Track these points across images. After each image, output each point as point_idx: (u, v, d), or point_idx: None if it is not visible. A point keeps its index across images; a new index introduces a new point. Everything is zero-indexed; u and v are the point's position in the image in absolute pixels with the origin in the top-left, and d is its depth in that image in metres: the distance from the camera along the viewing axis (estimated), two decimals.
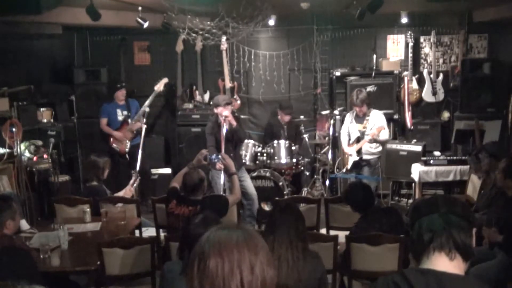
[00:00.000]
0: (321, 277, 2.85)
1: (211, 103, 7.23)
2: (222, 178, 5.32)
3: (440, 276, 1.49)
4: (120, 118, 6.58)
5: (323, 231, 4.67)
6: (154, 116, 7.54)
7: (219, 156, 4.80)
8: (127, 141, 6.40)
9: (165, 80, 6.67)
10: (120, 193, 5.05)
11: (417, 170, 6.15)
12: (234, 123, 5.36)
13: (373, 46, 7.55)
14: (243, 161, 6.22)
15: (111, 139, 6.53)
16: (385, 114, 6.08)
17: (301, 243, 2.82)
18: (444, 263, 1.55)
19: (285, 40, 7.74)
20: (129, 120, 6.50)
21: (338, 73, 7.24)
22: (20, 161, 5.42)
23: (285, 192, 6.28)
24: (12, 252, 2.96)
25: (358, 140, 5.84)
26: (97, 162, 4.90)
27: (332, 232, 4.48)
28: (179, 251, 2.96)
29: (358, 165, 5.91)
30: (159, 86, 6.59)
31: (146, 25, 6.02)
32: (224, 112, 5.29)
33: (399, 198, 6.98)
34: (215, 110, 5.45)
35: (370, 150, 5.80)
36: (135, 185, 5.32)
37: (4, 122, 5.36)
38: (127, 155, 6.44)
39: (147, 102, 6.47)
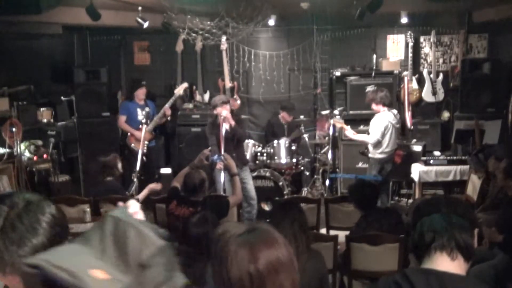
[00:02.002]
0: (323, 276, 2.86)
1: (210, 103, 7.24)
2: (222, 178, 5.32)
3: (441, 276, 1.50)
4: (140, 118, 6.39)
5: (323, 231, 4.66)
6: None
7: (221, 157, 4.79)
8: (146, 141, 6.11)
9: (185, 85, 6.63)
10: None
11: (417, 170, 6.15)
12: (232, 122, 5.34)
13: (373, 46, 7.55)
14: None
15: (130, 139, 6.40)
16: None
17: (304, 236, 2.83)
18: (446, 263, 1.55)
19: (285, 40, 7.75)
20: (148, 121, 6.41)
21: (338, 73, 7.24)
22: (20, 161, 5.42)
23: (285, 192, 6.28)
24: None
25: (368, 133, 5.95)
26: (106, 162, 4.87)
27: (332, 232, 4.48)
28: (178, 252, 2.96)
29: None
30: (179, 90, 6.52)
31: (146, 25, 6.03)
32: (223, 112, 5.27)
33: (399, 198, 6.97)
34: (214, 112, 5.44)
35: (370, 149, 5.89)
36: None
37: (4, 122, 5.37)
38: (144, 156, 6.29)
39: (167, 104, 6.40)
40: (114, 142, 6.95)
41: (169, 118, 6.62)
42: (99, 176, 5.01)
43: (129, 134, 6.44)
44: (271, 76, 7.70)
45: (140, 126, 6.35)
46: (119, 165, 4.94)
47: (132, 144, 6.37)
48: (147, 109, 6.18)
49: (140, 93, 6.49)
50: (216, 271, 1.25)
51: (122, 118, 6.47)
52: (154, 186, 5.00)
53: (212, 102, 5.52)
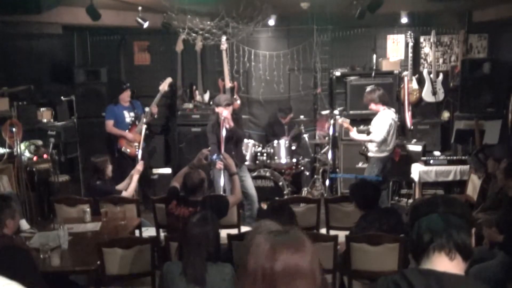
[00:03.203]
0: None
1: (211, 102, 7.24)
2: (222, 178, 5.32)
3: (440, 276, 1.50)
4: (128, 120, 6.39)
5: (323, 231, 4.66)
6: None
7: (220, 156, 4.79)
8: (137, 143, 6.00)
9: (169, 80, 6.58)
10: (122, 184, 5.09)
11: (417, 170, 6.15)
12: (232, 124, 5.34)
13: (373, 46, 7.55)
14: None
15: (121, 142, 6.33)
16: None
17: None
18: (444, 263, 1.55)
19: (285, 40, 7.75)
20: (137, 122, 6.36)
21: (338, 73, 7.24)
22: (20, 161, 5.42)
23: (285, 192, 6.28)
24: (12, 252, 2.97)
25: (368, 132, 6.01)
26: (95, 164, 4.89)
27: (332, 232, 4.48)
28: (178, 252, 2.97)
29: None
30: (164, 86, 6.45)
31: (146, 25, 6.03)
32: (224, 112, 5.28)
33: (399, 198, 6.98)
34: (216, 109, 5.43)
35: (370, 147, 5.88)
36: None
37: (4, 122, 5.37)
38: (138, 159, 6.20)
39: (153, 102, 6.37)
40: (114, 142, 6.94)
41: (155, 116, 6.58)
42: (90, 179, 5.03)
43: (119, 138, 6.36)
44: (271, 76, 7.70)
45: (130, 127, 6.34)
46: (108, 170, 4.93)
47: (123, 147, 6.31)
48: (146, 109, 6.17)
49: (125, 96, 6.44)
50: (242, 260, 1.31)
51: (110, 123, 6.37)
52: (139, 169, 5.13)
53: (216, 100, 5.50)
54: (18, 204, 4.88)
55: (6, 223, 3.21)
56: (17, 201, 4.97)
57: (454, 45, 7.49)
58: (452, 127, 7.05)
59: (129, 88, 6.52)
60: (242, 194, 4.82)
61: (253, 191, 5.69)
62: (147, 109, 6.28)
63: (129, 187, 5.03)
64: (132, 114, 6.41)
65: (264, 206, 6.10)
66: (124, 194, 4.93)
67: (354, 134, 5.90)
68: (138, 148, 5.74)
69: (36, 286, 2.95)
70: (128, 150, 6.26)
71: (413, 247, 1.64)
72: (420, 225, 1.61)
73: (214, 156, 4.99)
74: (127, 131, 6.34)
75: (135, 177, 5.09)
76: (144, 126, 6.04)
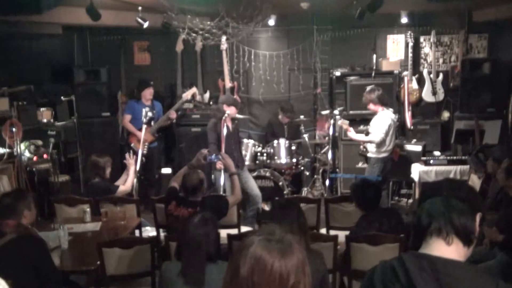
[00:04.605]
0: (324, 277, 2.84)
1: (211, 102, 7.25)
2: (222, 178, 5.32)
3: (434, 260, 1.49)
4: (144, 118, 6.47)
5: (323, 231, 4.66)
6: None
7: (219, 156, 4.79)
8: (147, 143, 5.99)
9: (194, 90, 6.61)
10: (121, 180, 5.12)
11: (417, 170, 6.14)
12: (229, 124, 5.38)
13: (373, 46, 7.55)
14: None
15: (131, 139, 6.40)
16: None
17: (304, 237, 2.82)
18: (441, 248, 1.54)
19: (285, 40, 7.75)
20: (152, 122, 6.36)
21: (338, 73, 7.24)
22: (20, 161, 5.42)
23: (285, 192, 6.29)
24: (28, 241, 3.00)
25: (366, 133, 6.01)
26: (97, 161, 4.89)
27: (332, 232, 4.48)
28: (177, 252, 2.96)
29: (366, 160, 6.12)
30: (187, 95, 6.49)
31: (146, 25, 6.03)
32: (227, 112, 5.33)
33: (399, 198, 6.97)
34: (225, 108, 5.44)
35: (369, 148, 5.88)
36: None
37: (4, 122, 5.37)
38: (143, 157, 6.20)
39: (173, 108, 6.41)
40: (114, 142, 6.94)
41: (174, 121, 6.61)
42: (88, 175, 5.04)
43: (130, 133, 6.43)
44: (271, 76, 7.70)
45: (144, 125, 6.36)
46: (108, 170, 4.93)
47: (132, 144, 6.36)
48: (147, 109, 6.17)
49: (148, 93, 6.48)
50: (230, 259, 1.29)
51: (127, 117, 6.47)
52: (131, 162, 5.14)
53: (230, 99, 5.59)
54: None
55: (23, 214, 3.24)
56: None
57: (454, 45, 7.50)
58: (452, 127, 7.05)
59: (152, 85, 6.54)
60: (246, 195, 4.82)
61: (257, 191, 5.68)
62: (147, 109, 6.28)
63: (127, 181, 5.05)
64: (150, 113, 6.40)
65: (265, 206, 6.10)
66: (122, 188, 4.92)
67: (352, 134, 5.91)
68: (144, 148, 5.76)
69: (51, 274, 3.00)
70: (136, 147, 6.28)
71: (413, 231, 1.63)
72: (422, 208, 1.60)
73: (213, 156, 4.99)
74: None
75: (131, 171, 5.10)
76: (144, 127, 6.04)
